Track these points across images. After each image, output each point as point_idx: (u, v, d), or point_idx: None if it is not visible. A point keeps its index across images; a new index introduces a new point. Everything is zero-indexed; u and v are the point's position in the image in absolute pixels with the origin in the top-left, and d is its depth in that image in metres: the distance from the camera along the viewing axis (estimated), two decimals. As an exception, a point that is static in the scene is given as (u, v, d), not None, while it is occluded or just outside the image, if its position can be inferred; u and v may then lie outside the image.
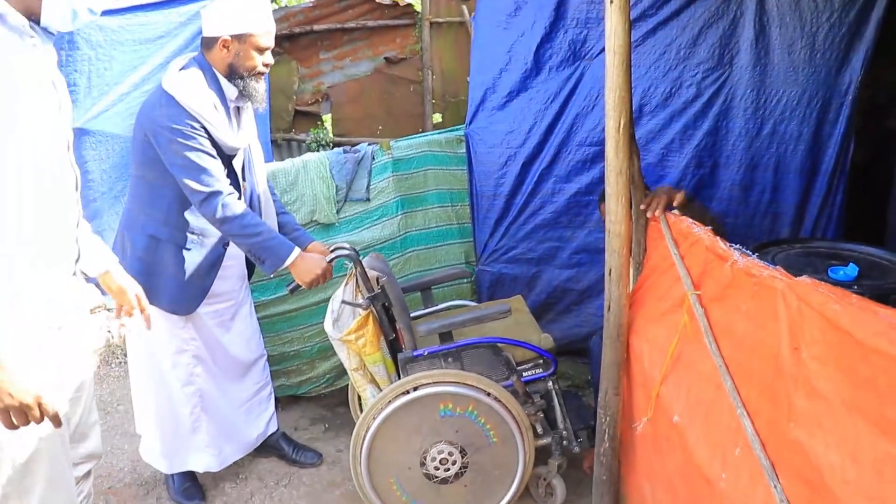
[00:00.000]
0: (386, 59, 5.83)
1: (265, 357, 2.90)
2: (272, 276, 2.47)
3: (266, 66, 2.42)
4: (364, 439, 2.43)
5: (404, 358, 2.49)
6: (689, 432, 2.11)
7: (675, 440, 2.19)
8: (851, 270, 2.07)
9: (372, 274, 2.51)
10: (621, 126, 2.18)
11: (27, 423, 1.48)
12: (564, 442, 2.66)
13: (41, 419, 1.49)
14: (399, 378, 2.51)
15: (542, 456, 2.66)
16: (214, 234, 2.48)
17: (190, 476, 2.81)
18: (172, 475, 2.78)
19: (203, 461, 2.71)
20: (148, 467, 2.92)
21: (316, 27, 5.68)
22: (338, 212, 3.18)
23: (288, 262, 2.39)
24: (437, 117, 5.92)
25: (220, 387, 2.70)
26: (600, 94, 3.15)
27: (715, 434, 2.03)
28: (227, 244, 2.54)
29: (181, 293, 2.47)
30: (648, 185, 3.10)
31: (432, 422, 2.47)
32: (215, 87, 2.35)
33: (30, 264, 1.51)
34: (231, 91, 2.40)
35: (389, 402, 2.43)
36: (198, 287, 2.50)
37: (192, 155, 2.26)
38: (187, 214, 2.43)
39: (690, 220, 2.23)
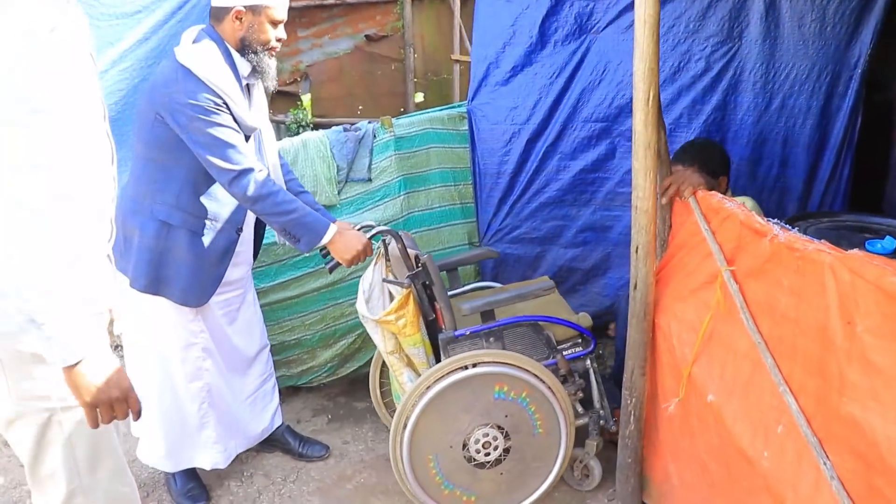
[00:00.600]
0: (366, 36, 5.73)
1: (269, 348, 2.81)
2: (307, 252, 2.38)
3: (279, 40, 2.32)
4: (413, 411, 2.37)
5: (446, 338, 2.44)
6: (726, 411, 2.10)
7: (708, 420, 2.17)
8: (889, 243, 2.06)
9: (411, 252, 2.44)
10: (650, 98, 2.15)
11: (124, 416, 1.44)
12: (602, 422, 2.65)
13: (128, 413, 1.45)
14: (437, 361, 2.45)
15: (579, 437, 2.64)
16: (228, 218, 2.38)
17: (193, 476, 2.71)
18: (174, 476, 2.68)
19: (210, 458, 2.62)
20: (145, 468, 2.81)
21: (294, 3, 5.51)
22: (339, 192, 3.10)
23: (326, 238, 2.31)
24: (420, 96, 5.84)
25: (226, 380, 2.61)
26: (607, 69, 3.11)
27: (755, 412, 2.02)
28: (241, 229, 2.44)
29: (195, 282, 2.37)
30: None
31: (485, 402, 2.43)
32: (229, 61, 2.25)
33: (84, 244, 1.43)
34: (244, 67, 2.30)
35: (444, 376, 2.38)
36: (212, 275, 2.41)
37: (216, 131, 2.16)
38: (203, 198, 2.32)
39: (721, 195, 2.20)
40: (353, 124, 3.15)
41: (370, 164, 3.11)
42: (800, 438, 1.88)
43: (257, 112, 2.38)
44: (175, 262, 2.32)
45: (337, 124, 3.28)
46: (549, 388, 2.45)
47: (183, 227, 2.31)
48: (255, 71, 2.33)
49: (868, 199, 3.37)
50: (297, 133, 4.71)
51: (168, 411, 2.51)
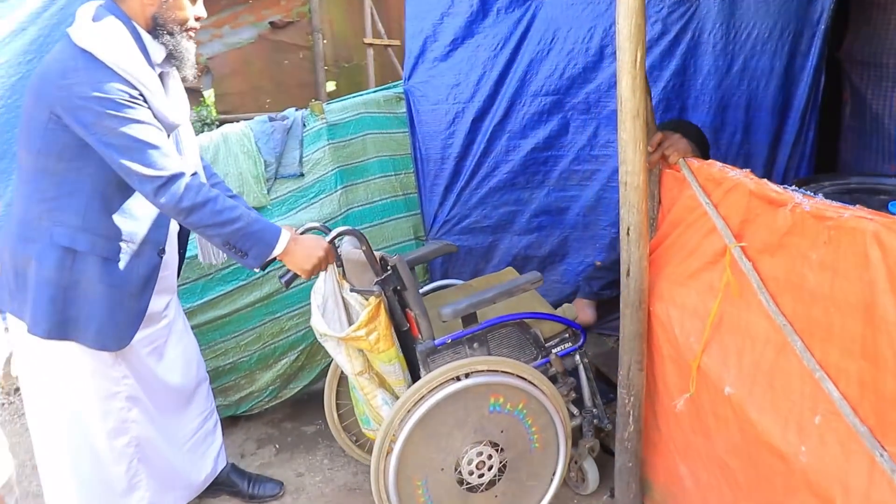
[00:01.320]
0: (271, 23, 5.31)
1: (208, 381, 2.43)
2: (258, 269, 1.99)
3: (198, 19, 1.95)
4: (399, 434, 2.08)
5: (425, 349, 2.17)
6: (749, 404, 1.90)
7: (727, 415, 1.97)
8: None
9: (377, 253, 2.12)
10: (637, 60, 1.93)
11: None
12: (595, 420, 2.46)
13: None
14: (412, 377, 2.21)
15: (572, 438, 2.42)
16: (147, 238, 1.99)
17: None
18: None
19: None
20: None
21: (186, -10, 5.04)
22: (268, 191, 2.73)
23: (279, 248, 1.95)
24: (331, 85, 5.48)
25: (159, 428, 2.22)
26: (556, 37, 2.89)
27: (784, 403, 1.83)
28: (164, 250, 2.06)
29: (112, 321, 1.97)
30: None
31: (479, 417, 2.17)
32: (140, 45, 1.86)
33: None
34: (157, 51, 1.92)
35: (433, 390, 2.10)
36: (133, 310, 2.02)
37: (133, 129, 1.78)
38: (116, 216, 1.93)
39: (721, 163, 1.99)
40: (278, 113, 2.78)
41: (301, 157, 2.77)
42: (844, 429, 1.69)
43: (180, 106, 2.00)
44: (85, 297, 1.92)
45: (242, 120, 2.90)
46: (547, 396, 2.20)
47: (92, 252, 1.91)
48: (172, 56, 1.95)
49: (821, 160, 3.28)
50: (202, 133, 4.27)
51: (88, 479, 2.10)
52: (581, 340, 2.40)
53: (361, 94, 2.97)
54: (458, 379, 2.12)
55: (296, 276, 2.00)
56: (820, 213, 1.69)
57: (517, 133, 3.01)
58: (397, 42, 5.61)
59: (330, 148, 2.82)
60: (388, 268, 2.11)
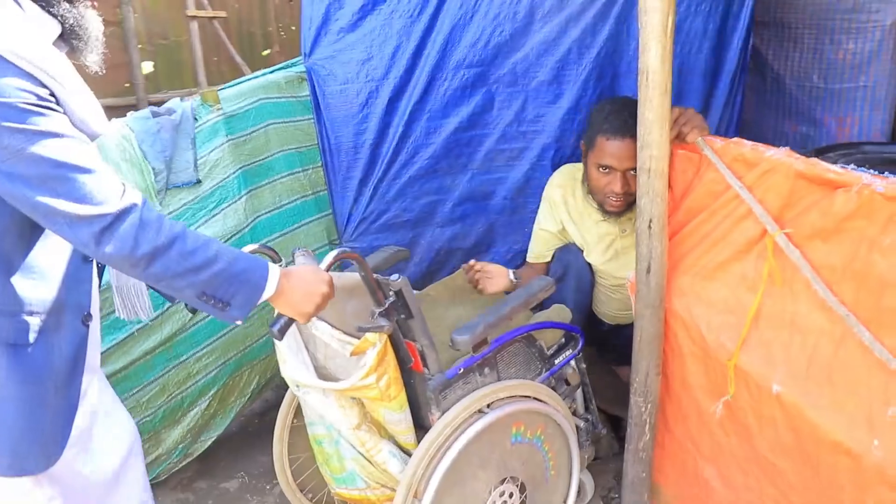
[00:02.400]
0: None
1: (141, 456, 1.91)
2: (241, 322, 1.50)
3: None
4: (425, 488, 1.77)
5: (437, 384, 1.84)
6: (804, 402, 1.80)
7: (773, 415, 1.87)
8: None
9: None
10: (669, 26, 1.72)
11: None
12: (592, 428, 2.32)
13: None
14: (414, 419, 1.86)
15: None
16: (65, 302, 1.47)
17: None
18: None
19: None
20: None
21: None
22: (160, 205, 2.22)
23: (269, 290, 1.47)
24: (148, 66, 4.76)
25: None
26: (479, 0, 2.59)
27: (849, 398, 1.75)
28: (90, 314, 1.53)
29: (33, 433, 1.43)
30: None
31: (502, 452, 1.92)
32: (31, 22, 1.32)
33: None
34: (48, 28, 1.37)
35: (457, 429, 1.82)
36: (60, 409, 1.48)
37: (50, 149, 1.24)
38: (16, 279, 1.38)
39: (752, 142, 1.86)
40: (160, 104, 2.25)
41: (196, 160, 2.28)
42: None
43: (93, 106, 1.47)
44: None
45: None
46: (563, 415, 1.99)
47: None
48: (72, 35, 1.42)
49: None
50: None
51: None
52: (581, 344, 2.20)
53: (259, 75, 2.50)
54: (482, 412, 1.83)
55: (290, 322, 1.57)
56: (900, 193, 1.60)
57: (438, 112, 2.70)
58: (223, 13, 5.00)
59: (229, 145, 2.35)
60: (391, 294, 1.75)
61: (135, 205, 1.32)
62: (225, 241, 2.37)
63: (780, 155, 1.79)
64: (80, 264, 1.47)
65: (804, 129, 3.21)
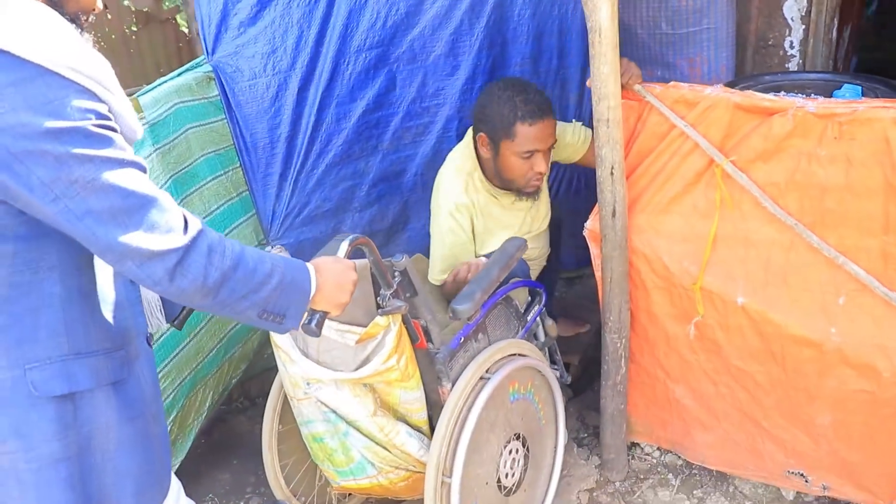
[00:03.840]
0: None
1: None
2: (296, 328, 1.45)
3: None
4: (453, 461, 1.85)
5: (444, 356, 1.92)
6: (766, 306, 2.08)
7: (740, 325, 2.14)
8: (855, 91, 2.19)
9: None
10: (617, -15, 1.87)
11: None
12: (560, 375, 2.47)
13: None
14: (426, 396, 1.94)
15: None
16: (134, 328, 1.41)
17: None
18: None
19: None
20: None
21: None
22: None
23: (313, 289, 1.44)
24: None
25: None
26: (371, -19, 2.63)
27: (804, 295, 2.05)
28: (151, 336, 1.46)
29: (148, 469, 1.38)
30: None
31: (505, 412, 2.02)
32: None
33: None
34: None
35: (468, 398, 1.91)
36: (160, 437, 1.44)
37: (122, 178, 1.15)
38: (100, 315, 1.31)
39: (688, 84, 2.08)
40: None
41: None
42: (870, 301, 1.96)
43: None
44: (107, 454, 1.31)
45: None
46: (546, 367, 2.15)
47: (98, 383, 1.28)
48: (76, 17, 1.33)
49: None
50: None
51: None
52: (545, 298, 2.35)
53: (169, 79, 2.39)
54: (483, 379, 1.94)
55: (325, 316, 1.57)
56: (828, 111, 1.88)
57: (346, 97, 2.73)
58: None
59: (157, 154, 2.25)
60: (396, 274, 1.79)
61: (202, 230, 1.26)
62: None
63: (718, 91, 2.02)
64: (129, 285, 1.40)
65: (660, 72, 3.53)
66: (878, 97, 2.12)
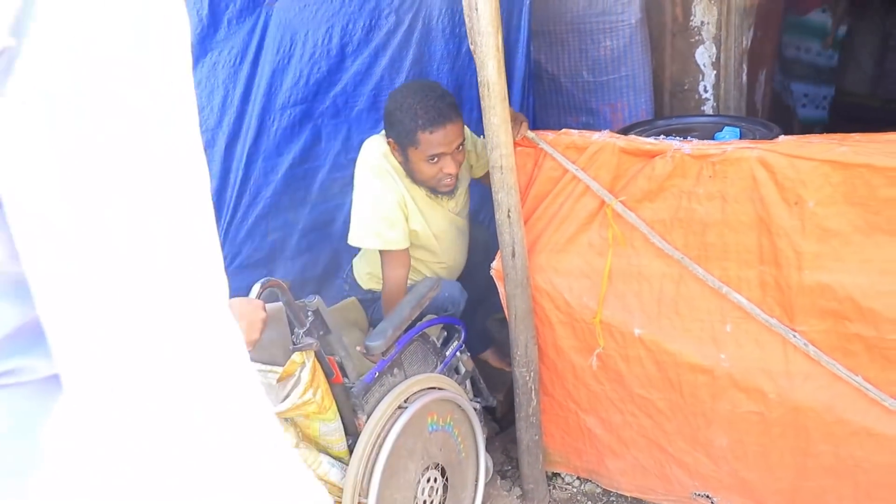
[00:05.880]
0: None
1: None
2: None
3: None
4: (368, 486, 1.92)
5: (360, 390, 2.02)
6: (661, 337, 2.20)
7: (639, 354, 2.25)
8: (734, 133, 2.31)
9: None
10: (500, 44, 2.00)
11: None
12: (485, 404, 2.59)
13: None
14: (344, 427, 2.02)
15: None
16: None
17: None
18: None
19: None
20: None
21: None
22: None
23: None
24: None
25: None
26: (294, 43, 2.78)
27: (694, 324, 2.16)
28: None
29: None
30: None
31: (423, 441, 2.11)
32: None
33: None
34: None
35: (384, 426, 2.00)
36: None
37: None
38: None
39: (578, 130, 2.19)
40: None
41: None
42: (755, 327, 2.08)
43: None
44: None
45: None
46: (465, 400, 2.20)
47: None
48: None
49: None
50: None
51: None
52: (464, 334, 2.42)
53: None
54: (401, 408, 2.00)
55: None
56: (702, 152, 2.02)
57: (272, 152, 2.84)
58: None
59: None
60: (309, 314, 1.86)
61: None
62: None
63: (605, 136, 2.15)
64: None
65: (584, 118, 3.68)
66: (755, 138, 2.24)
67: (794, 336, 2.00)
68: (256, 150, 2.81)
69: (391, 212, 2.46)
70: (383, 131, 2.57)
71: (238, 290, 2.84)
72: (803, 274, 1.95)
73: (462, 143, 2.47)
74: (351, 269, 2.85)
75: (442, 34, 3.01)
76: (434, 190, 2.53)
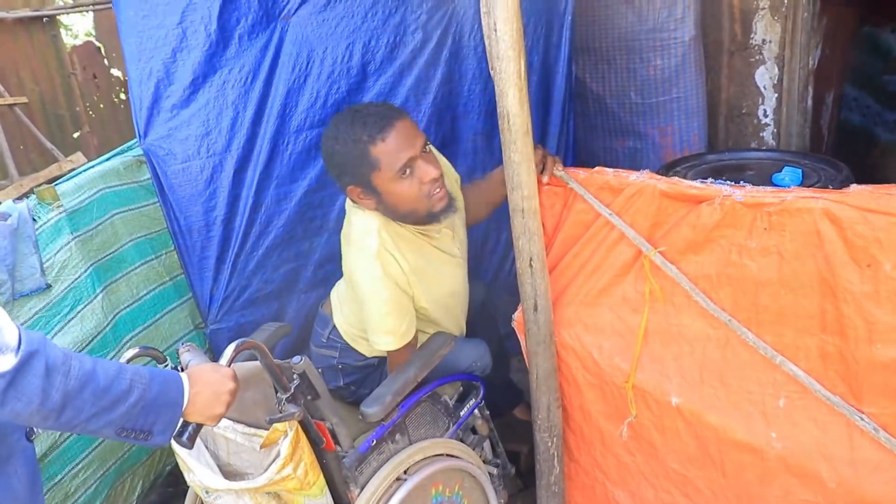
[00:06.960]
0: None
1: None
2: (166, 444, 1.37)
3: None
4: None
5: (353, 460, 1.79)
6: (702, 408, 1.91)
7: (676, 427, 1.97)
8: (793, 174, 2.01)
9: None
10: (522, 70, 1.74)
11: None
12: (503, 471, 2.35)
13: None
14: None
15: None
16: (10, 425, 1.38)
17: None
18: None
19: None
20: None
21: None
22: (6, 321, 1.97)
23: (185, 401, 1.38)
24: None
25: None
26: (311, 60, 2.56)
27: (742, 396, 1.87)
28: (33, 431, 1.46)
29: None
30: None
31: None
32: None
33: None
34: None
35: (378, 502, 1.79)
36: None
37: None
38: None
39: (613, 169, 1.91)
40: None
41: (42, 264, 2.06)
42: (814, 404, 1.79)
43: None
44: None
45: None
46: (477, 467, 1.95)
47: None
48: None
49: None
50: None
51: None
52: (482, 392, 2.17)
53: (94, 164, 2.30)
54: (400, 480, 1.77)
55: (200, 428, 1.44)
56: (756, 200, 1.72)
57: (286, 178, 2.62)
58: (24, 99, 4.56)
59: (76, 243, 2.18)
60: (295, 377, 1.64)
61: (37, 350, 1.19)
62: (85, 345, 2.22)
63: (644, 178, 1.87)
64: None
65: (631, 143, 3.40)
66: (819, 181, 1.93)
67: (862, 418, 1.70)
68: (268, 175, 2.59)
69: (398, 300, 2.03)
70: (346, 202, 2.19)
71: (247, 325, 2.67)
72: (875, 347, 1.65)
73: (427, 144, 2.04)
74: (334, 328, 2.34)
75: (474, 52, 2.77)
76: (431, 215, 2.06)
